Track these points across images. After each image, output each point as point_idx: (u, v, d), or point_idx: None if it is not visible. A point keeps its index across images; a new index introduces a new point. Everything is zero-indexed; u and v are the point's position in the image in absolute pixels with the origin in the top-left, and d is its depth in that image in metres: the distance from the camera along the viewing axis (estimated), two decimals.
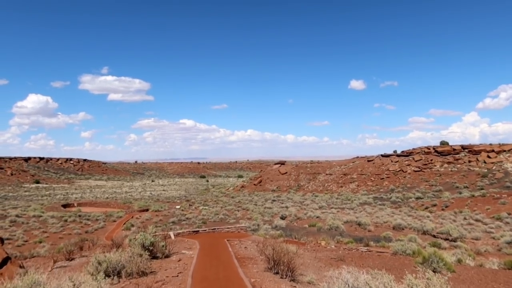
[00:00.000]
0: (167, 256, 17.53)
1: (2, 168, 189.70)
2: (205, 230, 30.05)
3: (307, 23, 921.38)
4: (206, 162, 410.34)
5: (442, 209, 62.32)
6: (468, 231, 40.24)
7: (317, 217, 54.49)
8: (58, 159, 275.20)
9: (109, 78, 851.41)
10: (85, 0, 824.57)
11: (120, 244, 18.28)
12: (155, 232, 19.23)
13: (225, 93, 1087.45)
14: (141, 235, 15.87)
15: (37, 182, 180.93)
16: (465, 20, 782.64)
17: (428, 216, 53.09)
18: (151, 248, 16.11)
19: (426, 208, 65.01)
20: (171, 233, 27.04)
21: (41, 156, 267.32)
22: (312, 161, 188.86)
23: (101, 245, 20.77)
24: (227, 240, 24.04)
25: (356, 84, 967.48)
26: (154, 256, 16.27)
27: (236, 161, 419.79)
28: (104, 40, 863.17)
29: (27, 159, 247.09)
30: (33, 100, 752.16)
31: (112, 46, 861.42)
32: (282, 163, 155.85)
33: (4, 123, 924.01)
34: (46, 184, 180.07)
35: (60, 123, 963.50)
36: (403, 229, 42.53)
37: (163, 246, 17.52)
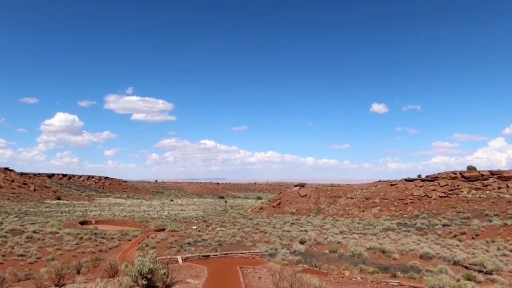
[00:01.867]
0: (168, 286, 15.73)
1: (26, 184, 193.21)
2: (217, 255, 27.77)
3: (328, 46, 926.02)
4: (226, 183, 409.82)
5: (473, 238, 58.73)
6: (504, 263, 37.19)
7: (338, 242, 52.00)
8: (80, 176, 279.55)
9: (134, 98, 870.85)
10: (112, 24, 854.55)
11: (117, 269, 16.76)
12: (156, 257, 17.62)
13: (246, 115, 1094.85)
14: (138, 260, 14.22)
15: (59, 199, 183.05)
16: (489, 43, 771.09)
17: (457, 245, 49.87)
18: (149, 276, 14.28)
19: (455, 236, 61.45)
20: (179, 258, 25.04)
21: (65, 173, 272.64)
22: (332, 184, 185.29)
23: (101, 269, 19.28)
24: (240, 268, 22.07)
25: (378, 108, 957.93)
26: (152, 286, 14.60)
27: (255, 183, 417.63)
28: (130, 61, 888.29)
29: (50, 176, 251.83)
30: (61, 119, 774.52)
31: (138, 67, 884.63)
32: (302, 185, 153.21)
33: (32, 140, 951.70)
34: (67, 200, 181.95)
35: (85, 141, 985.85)
36: (431, 258, 39.72)
37: (164, 273, 15.66)
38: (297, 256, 36.81)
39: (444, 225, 74.84)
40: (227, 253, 28.23)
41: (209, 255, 27.35)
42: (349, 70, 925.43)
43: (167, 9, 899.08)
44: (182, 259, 24.76)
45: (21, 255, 42.41)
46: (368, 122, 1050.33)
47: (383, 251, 42.54)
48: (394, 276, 24.67)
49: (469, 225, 70.74)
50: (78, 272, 18.85)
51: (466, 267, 34.76)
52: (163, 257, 21.45)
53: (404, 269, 29.81)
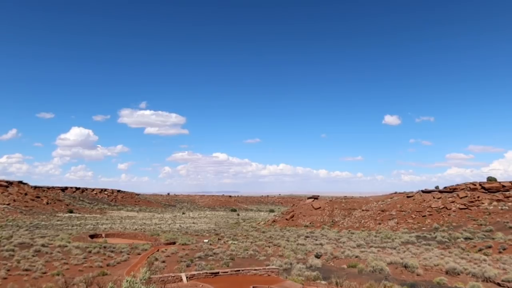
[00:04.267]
0: None
1: (39, 197, 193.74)
2: (227, 272, 24.28)
3: (340, 58, 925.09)
4: (238, 196, 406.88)
5: (500, 252, 55.43)
6: None
7: (356, 256, 49.43)
8: (93, 190, 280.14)
9: (147, 112, 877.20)
10: (126, 39, 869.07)
11: None
12: (150, 276, 15.43)
13: (258, 127, 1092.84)
14: (127, 281, 11.98)
15: (71, 212, 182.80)
16: (503, 53, 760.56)
17: (484, 260, 46.85)
18: None
19: (480, 250, 58.19)
20: (183, 275, 21.49)
21: (79, 186, 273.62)
22: (346, 196, 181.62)
23: None
24: None
25: (391, 119, 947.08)
26: None
27: (267, 195, 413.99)
28: (143, 76, 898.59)
29: (64, 189, 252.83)
30: (76, 133, 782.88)
31: (151, 81, 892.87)
32: (315, 197, 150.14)
33: (48, 155, 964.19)
34: (79, 213, 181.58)
35: (99, 155, 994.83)
36: (458, 274, 36.99)
37: None
38: (314, 271, 34.52)
39: (466, 238, 71.40)
40: (239, 270, 24.93)
41: (218, 272, 24.18)
42: (361, 82, 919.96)
43: (180, 24, 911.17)
44: (186, 277, 21.47)
45: (26, 270, 40.99)
46: (380, 134, 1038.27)
47: (406, 266, 39.99)
48: None
49: (494, 239, 67.28)
50: None
51: (499, 284, 32.04)
52: (163, 275, 18.97)
53: (433, 286, 27.33)
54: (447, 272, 37.73)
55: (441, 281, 32.83)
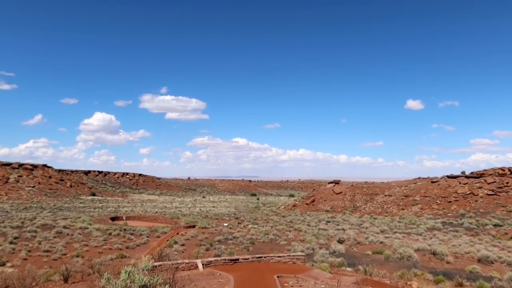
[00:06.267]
0: None
1: (62, 180, 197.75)
2: (248, 259, 21.46)
3: (362, 42, 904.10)
4: (258, 180, 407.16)
5: None
6: None
7: (381, 242, 47.65)
8: (115, 173, 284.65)
9: (168, 97, 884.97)
10: (147, 26, 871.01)
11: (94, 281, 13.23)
12: (154, 265, 13.74)
13: (278, 113, 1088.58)
14: (125, 272, 10.27)
15: (93, 195, 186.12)
16: None
17: None
18: None
19: None
20: (199, 262, 19.31)
21: (102, 170, 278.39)
22: (366, 182, 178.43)
23: (92, 278, 15.65)
24: (278, 278, 17.01)
25: (413, 104, 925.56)
26: None
27: (287, 180, 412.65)
28: (164, 62, 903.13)
29: (87, 173, 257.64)
30: (99, 118, 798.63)
31: (172, 67, 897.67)
32: (336, 182, 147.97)
33: (72, 139, 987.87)
34: (101, 196, 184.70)
35: (121, 139, 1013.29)
36: (492, 262, 34.87)
37: None
38: (338, 257, 33.05)
39: (495, 225, 68.48)
40: (261, 257, 22.01)
41: (238, 259, 21.50)
42: (383, 66, 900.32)
43: (200, 10, 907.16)
44: (203, 264, 19.26)
45: (46, 251, 41.04)
46: (402, 119, 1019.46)
47: (434, 253, 38.06)
48: (461, 285, 20.54)
49: None
50: (66, 281, 15.85)
51: None
52: (176, 262, 17.40)
53: (470, 277, 25.43)
54: (479, 260, 35.64)
55: (474, 269, 30.88)
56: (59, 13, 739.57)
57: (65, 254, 40.03)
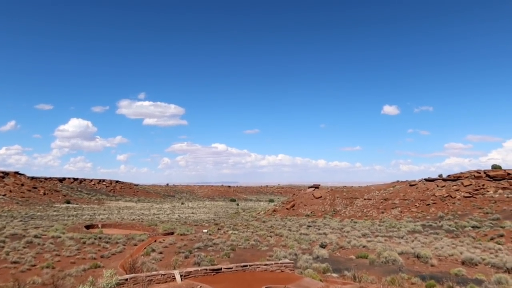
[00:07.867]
0: None
1: (35, 188, 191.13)
2: (231, 268, 19.35)
3: (339, 48, 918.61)
4: (237, 186, 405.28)
5: None
6: None
7: (364, 246, 47.02)
8: (91, 180, 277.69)
9: (146, 103, 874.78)
10: (124, 31, 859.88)
11: None
12: (119, 281, 12.37)
13: (257, 118, 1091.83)
14: None
15: (68, 202, 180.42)
16: (502, 44, 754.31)
17: (500, 249, 44.52)
18: None
19: (492, 239, 55.85)
20: (176, 273, 17.12)
21: (78, 177, 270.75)
22: (345, 186, 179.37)
23: None
24: None
25: (389, 109, 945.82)
26: None
27: (266, 186, 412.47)
28: (142, 67, 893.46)
29: (61, 180, 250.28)
30: (75, 124, 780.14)
31: (150, 72, 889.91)
32: (316, 186, 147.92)
33: (47, 146, 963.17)
34: (76, 204, 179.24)
35: (98, 146, 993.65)
36: (476, 264, 34.59)
37: None
38: (322, 263, 32.08)
39: (474, 227, 69.16)
40: (246, 265, 20.12)
41: (221, 269, 19.43)
42: (360, 72, 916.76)
43: (177, 15, 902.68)
44: (181, 276, 17.25)
45: (14, 262, 38.52)
46: (379, 124, 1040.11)
47: (418, 256, 37.59)
48: None
49: (503, 227, 65.02)
50: None
51: None
52: (150, 274, 15.64)
53: (454, 279, 24.85)
54: (463, 263, 35.34)
55: (459, 272, 30.46)
56: (33, 17, 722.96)
57: (34, 265, 37.64)
